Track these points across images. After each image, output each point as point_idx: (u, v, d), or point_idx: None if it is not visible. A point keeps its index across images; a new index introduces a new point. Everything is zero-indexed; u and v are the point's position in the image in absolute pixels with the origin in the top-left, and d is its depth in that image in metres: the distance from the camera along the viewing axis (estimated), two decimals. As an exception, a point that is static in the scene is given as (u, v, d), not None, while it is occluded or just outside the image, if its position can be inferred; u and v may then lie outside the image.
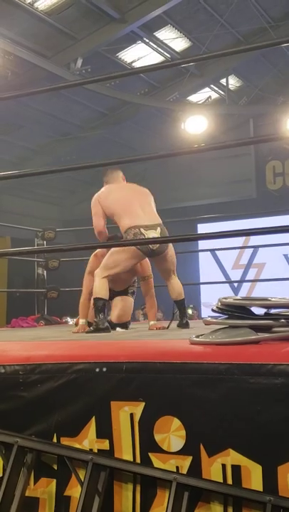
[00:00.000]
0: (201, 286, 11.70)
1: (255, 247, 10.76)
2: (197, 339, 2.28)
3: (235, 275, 12.03)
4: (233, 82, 12.22)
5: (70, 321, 7.15)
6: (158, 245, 3.91)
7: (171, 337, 3.16)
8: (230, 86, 12.06)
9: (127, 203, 4.04)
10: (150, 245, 3.89)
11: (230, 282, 11.93)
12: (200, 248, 10.23)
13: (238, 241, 9.87)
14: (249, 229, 2.41)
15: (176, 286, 4.12)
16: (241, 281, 12.08)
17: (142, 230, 3.90)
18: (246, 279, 12.10)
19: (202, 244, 10.03)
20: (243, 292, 11.61)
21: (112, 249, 3.96)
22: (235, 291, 11.61)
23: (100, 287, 3.87)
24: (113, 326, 4.27)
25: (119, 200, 4.06)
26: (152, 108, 11.46)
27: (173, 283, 4.11)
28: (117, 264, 3.90)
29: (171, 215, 7.76)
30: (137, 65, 10.47)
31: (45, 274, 6.55)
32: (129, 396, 2.08)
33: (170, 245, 4.05)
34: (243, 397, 1.93)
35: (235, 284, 11.98)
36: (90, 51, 9.49)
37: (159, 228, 3.97)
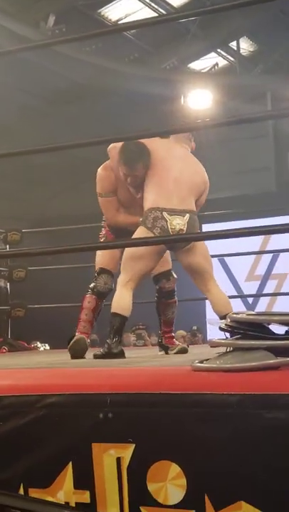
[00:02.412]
0: (207, 302, 11.73)
1: (275, 252, 10.80)
2: (201, 365, 2.29)
3: (250, 289, 12.07)
4: (245, 45, 12.32)
5: (41, 346, 7.15)
6: (182, 233, 3.87)
7: (168, 363, 3.17)
8: (241, 51, 12.17)
9: (163, 171, 3.97)
10: (171, 232, 3.85)
11: (243, 297, 11.97)
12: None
13: (253, 246, 9.91)
14: (266, 226, 2.44)
15: (220, 295, 4.04)
16: (257, 296, 12.12)
17: (166, 214, 3.86)
18: (264, 293, 12.15)
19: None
20: (259, 309, 11.65)
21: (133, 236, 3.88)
22: (250, 308, 11.64)
23: (119, 300, 3.83)
24: None
25: (159, 168, 3.97)
26: (144, 78, 11.52)
27: (215, 291, 4.03)
28: (136, 261, 3.86)
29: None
30: (124, 23, 10.55)
31: (8, 287, 6.56)
32: (115, 436, 2.09)
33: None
34: (259, 437, 1.94)
35: (250, 300, 12.02)
36: (64, 7, 9.55)
37: (187, 215, 3.93)
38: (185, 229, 3.89)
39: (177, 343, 4.45)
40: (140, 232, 3.88)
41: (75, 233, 7.40)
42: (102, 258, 4.26)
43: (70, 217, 10.40)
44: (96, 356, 3.85)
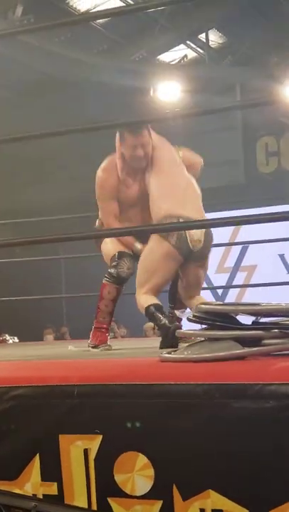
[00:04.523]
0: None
1: (245, 244, 10.83)
2: (168, 355, 2.30)
3: (220, 281, 12.11)
4: (214, 38, 12.32)
5: (10, 339, 7.11)
6: (202, 244, 3.68)
7: (136, 354, 3.18)
8: (210, 43, 12.16)
9: (173, 177, 3.81)
10: (191, 243, 3.64)
11: (212, 288, 12.01)
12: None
13: (223, 238, 9.93)
14: (233, 217, 2.44)
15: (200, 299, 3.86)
16: (227, 287, 12.17)
17: (182, 221, 3.63)
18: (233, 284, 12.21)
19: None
20: (229, 301, 11.71)
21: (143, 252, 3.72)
22: (220, 300, 11.70)
23: (143, 301, 3.64)
24: None
25: (167, 171, 3.81)
26: (113, 69, 11.47)
27: (198, 298, 3.86)
28: (152, 275, 3.68)
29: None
30: (93, 15, 10.49)
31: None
32: (82, 428, 2.09)
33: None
34: (226, 426, 1.95)
35: (220, 292, 12.07)
36: (32, -4, 9.49)
37: None
38: (202, 240, 3.69)
39: None
40: (154, 242, 3.67)
41: (42, 225, 7.38)
42: (117, 242, 3.87)
43: (37, 210, 10.33)
44: (161, 347, 3.45)
